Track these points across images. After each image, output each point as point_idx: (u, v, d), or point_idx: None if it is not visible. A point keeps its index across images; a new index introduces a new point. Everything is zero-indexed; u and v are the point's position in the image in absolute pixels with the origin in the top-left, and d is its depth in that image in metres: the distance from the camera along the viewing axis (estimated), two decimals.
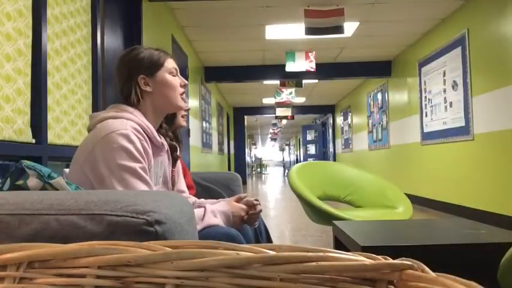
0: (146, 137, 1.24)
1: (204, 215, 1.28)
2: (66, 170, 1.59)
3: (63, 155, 2.35)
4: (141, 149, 1.18)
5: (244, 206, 1.41)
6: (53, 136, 2.25)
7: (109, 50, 3.18)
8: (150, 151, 1.23)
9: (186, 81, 1.41)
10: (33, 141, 2.04)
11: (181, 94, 1.38)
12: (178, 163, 1.52)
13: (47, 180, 1.14)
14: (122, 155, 1.14)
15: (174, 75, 1.37)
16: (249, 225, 1.48)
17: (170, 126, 1.54)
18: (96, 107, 2.79)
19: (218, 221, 1.30)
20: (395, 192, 3.20)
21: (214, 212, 1.32)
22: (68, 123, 2.42)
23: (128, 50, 1.39)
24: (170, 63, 1.37)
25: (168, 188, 1.41)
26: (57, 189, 1.10)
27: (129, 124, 1.20)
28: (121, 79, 1.36)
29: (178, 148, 1.47)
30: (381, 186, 3.33)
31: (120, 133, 1.16)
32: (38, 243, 0.57)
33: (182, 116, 1.75)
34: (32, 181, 1.09)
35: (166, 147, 1.38)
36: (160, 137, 1.34)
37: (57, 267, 0.56)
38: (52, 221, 0.65)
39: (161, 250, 0.54)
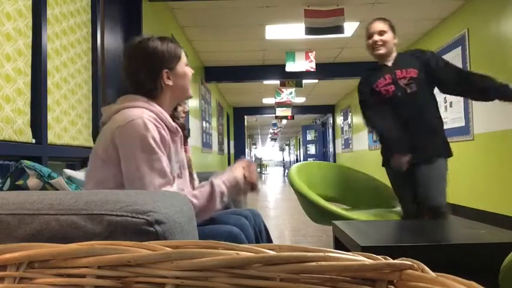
0: (163, 124, 1.25)
1: (212, 191, 1.29)
2: (67, 171, 1.60)
3: (63, 155, 2.35)
4: (159, 138, 1.19)
5: (241, 166, 1.43)
6: (53, 136, 2.25)
7: (109, 50, 3.18)
8: (168, 138, 1.25)
9: (193, 71, 1.46)
10: (33, 141, 2.04)
11: None
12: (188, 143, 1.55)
13: (47, 180, 1.14)
14: (140, 145, 1.15)
15: (187, 66, 1.41)
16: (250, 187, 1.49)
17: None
18: (96, 107, 2.79)
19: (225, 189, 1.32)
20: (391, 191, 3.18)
21: (220, 185, 1.33)
22: (68, 123, 2.42)
23: (139, 41, 1.37)
24: (184, 55, 1.41)
25: (185, 170, 1.42)
26: (57, 189, 1.10)
27: (145, 113, 1.21)
28: (141, 73, 1.33)
29: (186, 127, 1.51)
30: (377, 186, 3.34)
31: (137, 122, 1.17)
32: (38, 243, 0.57)
33: (182, 117, 1.79)
34: (32, 181, 1.09)
35: (180, 132, 1.40)
36: (174, 122, 1.36)
37: (57, 267, 0.56)
38: (52, 221, 0.65)
39: (161, 250, 0.54)
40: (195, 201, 1.23)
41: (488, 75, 2.25)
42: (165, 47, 1.36)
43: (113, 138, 1.18)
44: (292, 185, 2.93)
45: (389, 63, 2.44)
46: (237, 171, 1.40)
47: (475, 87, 2.25)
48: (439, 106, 2.46)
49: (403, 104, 2.35)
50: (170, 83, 1.35)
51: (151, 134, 1.17)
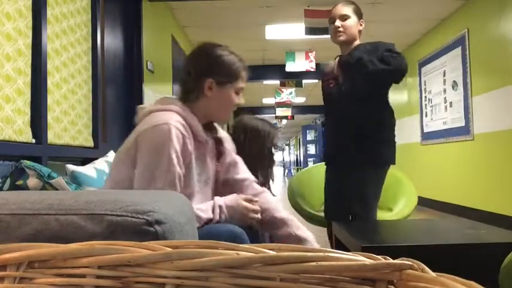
0: (190, 131, 1.22)
1: (213, 205, 1.27)
2: (69, 166, 1.59)
3: (63, 155, 2.35)
4: (180, 149, 1.16)
5: (248, 205, 1.36)
6: (53, 136, 2.25)
7: (109, 50, 3.18)
8: (190, 147, 1.21)
9: (243, 102, 1.37)
10: (33, 141, 2.04)
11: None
12: (228, 156, 1.46)
13: (47, 180, 1.14)
14: (159, 153, 1.14)
15: (238, 94, 1.33)
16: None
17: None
18: (96, 107, 2.79)
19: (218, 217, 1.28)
20: (397, 187, 3.16)
21: (220, 200, 1.30)
22: (68, 123, 2.42)
23: (210, 44, 1.33)
24: (241, 83, 1.32)
25: (207, 185, 1.37)
26: (57, 189, 1.10)
27: (174, 118, 1.18)
28: (190, 71, 1.30)
29: (222, 141, 1.43)
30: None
31: (162, 128, 1.15)
32: (38, 243, 0.57)
33: None
34: (32, 181, 1.09)
35: (211, 143, 1.35)
36: (205, 133, 1.32)
37: (57, 267, 0.56)
38: (52, 221, 0.65)
39: (161, 250, 0.54)
40: (201, 214, 1.22)
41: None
42: (229, 59, 1.29)
43: (136, 139, 1.18)
44: (288, 198, 2.97)
45: (343, 54, 2.18)
46: (240, 198, 1.35)
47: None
48: (439, 106, 2.34)
49: (337, 102, 2.14)
50: (209, 93, 1.28)
51: (173, 144, 1.14)
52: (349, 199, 2.13)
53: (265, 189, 1.53)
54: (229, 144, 1.48)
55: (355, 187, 2.10)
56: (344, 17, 2.15)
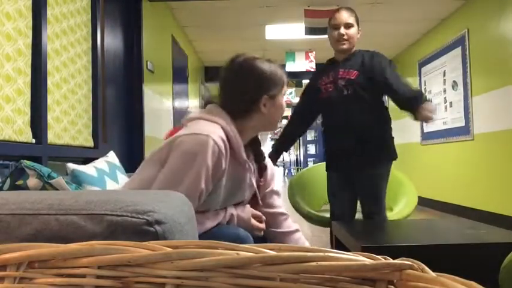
0: (229, 149, 1.18)
1: (224, 214, 1.26)
2: (69, 165, 1.59)
3: (63, 155, 2.35)
4: (212, 166, 1.13)
5: (255, 223, 1.34)
6: (53, 136, 2.25)
7: (109, 50, 3.18)
8: (225, 165, 1.17)
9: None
10: (33, 141, 2.04)
11: None
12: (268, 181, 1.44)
13: (47, 180, 1.14)
14: (190, 162, 1.11)
15: (285, 96, 1.33)
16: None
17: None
18: (96, 107, 2.79)
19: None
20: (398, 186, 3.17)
21: (232, 209, 1.30)
22: (68, 123, 2.42)
23: (248, 58, 1.29)
24: (286, 87, 1.32)
25: (241, 208, 1.34)
26: (57, 189, 1.10)
27: (217, 132, 1.15)
28: (239, 91, 1.26)
29: (263, 155, 1.41)
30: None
31: (201, 138, 1.12)
32: (38, 243, 0.57)
33: None
34: (32, 181, 1.09)
35: (253, 167, 1.32)
36: (247, 156, 1.29)
37: (57, 267, 0.56)
38: (52, 221, 0.65)
39: (161, 250, 0.54)
40: (206, 221, 1.20)
41: (411, 92, 2.09)
42: (273, 70, 1.28)
43: (173, 141, 1.16)
44: (289, 198, 2.97)
45: (340, 60, 2.23)
46: (250, 212, 1.33)
47: (397, 96, 2.10)
48: (439, 106, 2.37)
49: (335, 107, 2.18)
50: (265, 110, 1.26)
51: (207, 158, 1.11)
52: (365, 199, 2.21)
53: (298, 227, 1.50)
54: (270, 171, 1.46)
55: (370, 186, 2.18)
56: (349, 26, 2.19)
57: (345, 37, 2.18)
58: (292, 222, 1.49)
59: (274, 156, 2.43)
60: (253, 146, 1.38)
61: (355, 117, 2.14)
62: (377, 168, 2.18)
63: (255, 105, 1.25)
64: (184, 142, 1.14)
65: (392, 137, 2.28)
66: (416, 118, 2.03)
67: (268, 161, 1.44)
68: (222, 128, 1.19)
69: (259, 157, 1.38)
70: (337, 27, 2.21)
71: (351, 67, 2.17)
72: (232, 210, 1.29)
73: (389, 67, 2.14)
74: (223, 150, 1.15)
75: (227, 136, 1.19)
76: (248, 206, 1.36)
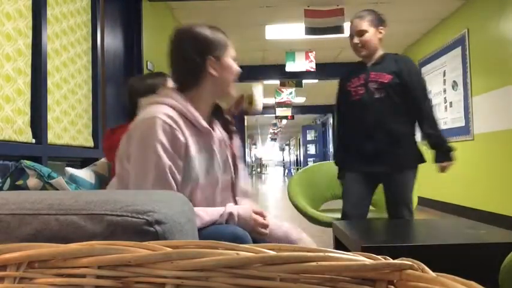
0: (184, 123, 1.19)
1: (223, 212, 1.24)
2: (68, 169, 1.59)
3: (63, 155, 2.35)
4: (168, 142, 1.14)
5: (258, 218, 1.31)
6: (53, 136, 2.25)
7: (109, 50, 3.18)
8: (183, 138, 1.17)
9: (240, 70, 1.36)
10: (33, 141, 2.04)
11: None
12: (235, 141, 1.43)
13: (47, 180, 1.14)
14: (145, 148, 1.13)
15: (235, 60, 1.32)
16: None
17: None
18: (96, 107, 2.79)
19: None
20: None
21: (232, 207, 1.28)
22: (68, 123, 2.42)
23: (189, 26, 1.30)
24: (232, 49, 1.32)
25: (228, 172, 1.33)
26: (57, 189, 1.10)
27: (163, 110, 1.16)
28: (183, 59, 1.27)
29: (230, 121, 1.41)
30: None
31: (147, 122, 1.14)
32: (38, 243, 0.57)
33: None
34: (32, 181, 1.09)
35: (219, 132, 1.32)
36: (212, 122, 1.29)
37: (57, 267, 0.56)
38: (52, 221, 0.65)
39: (161, 250, 0.54)
40: (201, 214, 1.18)
41: (434, 127, 2.19)
42: (215, 34, 1.28)
43: (128, 134, 1.18)
44: (290, 199, 2.96)
45: (369, 63, 2.27)
46: (251, 209, 1.31)
47: (420, 124, 2.22)
48: (439, 106, 2.38)
49: (366, 109, 2.20)
50: (213, 72, 1.26)
51: (158, 137, 1.12)
52: (396, 204, 2.22)
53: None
54: (237, 141, 1.45)
55: (401, 191, 2.20)
56: (361, 33, 2.22)
57: (359, 45, 2.23)
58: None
59: (342, 172, 2.40)
60: (217, 113, 1.37)
61: (387, 120, 2.18)
62: (407, 172, 2.22)
63: (203, 70, 1.25)
64: (135, 132, 1.16)
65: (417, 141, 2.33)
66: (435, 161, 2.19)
67: (236, 134, 1.45)
68: (169, 105, 1.19)
69: (226, 124, 1.38)
70: (352, 36, 2.28)
71: (383, 70, 2.20)
72: (231, 209, 1.27)
73: (421, 85, 2.23)
74: (175, 125, 1.16)
75: (177, 111, 1.19)
76: (248, 204, 1.35)
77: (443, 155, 2.18)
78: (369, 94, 2.19)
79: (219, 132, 1.34)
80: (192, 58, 1.26)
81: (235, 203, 1.38)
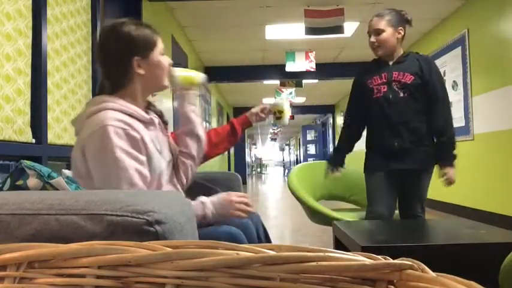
0: (131, 120, 1.19)
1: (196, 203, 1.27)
2: (65, 171, 1.59)
3: (63, 155, 2.35)
4: (123, 142, 1.13)
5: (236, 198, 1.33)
6: (53, 136, 2.25)
7: None
8: (138, 134, 1.18)
9: (171, 61, 1.36)
10: (33, 141, 2.04)
11: None
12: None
13: (47, 180, 1.14)
14: (102, 158, 1.12)
15: (163, 55, 1.32)
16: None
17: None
18: None
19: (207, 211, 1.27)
20: None
21: (202, 198, 1.29)
22: (68, 123, 2.42)
23: (114, 24, 1.28)
24: (160, 43, 1.31)
25: (172, 159, 1.37)
26: (57, 189, 1.10)
27: (108, 117, 1.15)
28: (109, 60, 1.26)
29: (163, 113, 1.44)
30: None
31: (98, 132, 1.13)
32: (38, 243, 0.57)
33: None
34: (32, 181, 1.09)
35: (158, 120, 1.34)
36: (148, 113, 1.31)
37: (57, 267, 0.56)
38: (52, 221, 0.65)
39: (161, 250, 0.54)
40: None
41: (446, 137, 2.21)
42: (139, 32, 1.26)
43: (82, 150, 1.16)
44: (290, 188, 2.94)
45: (391, 62, 2.29)
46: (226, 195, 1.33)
47: (431, 129, 2.25)
48: None
49: (391, 107, 2.22)
50: (141, 71, 1.26)
51: (114, 143, 1.11)
52: (412, 200, 2.26)
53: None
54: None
55: (418, 187, 2.25)
56: (378, 31, 2.23)
57: (376, 44, 2.25)
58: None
59: (333, 166, 2.48)
60: (149, 106, 1.39)
61: (411, 118, 2.21)
62: (428, 170, 2.25)
63: (130, 70, 1.25)
64: (89, 146, 1.14)
65: None
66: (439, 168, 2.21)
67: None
68: (112, 109, 1.19)
69: (159, 115, 1.40)
70: (369, 34, 2.29)
71: (405, 70, 2.22)
72: (201, 198, 1.29)
73: (442, 84, 2.31)
74: (126, 126, 1.15)
75: (121, 111, 1.19)
76: (220, 193, 1.34)
77: (445, 158, 2.20)
78: (392, 93, 2.22)
79: (156, 121, 1.35)
80: (117, 59, 1.25)
81: (182, 187, 1.41)
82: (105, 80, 1.28)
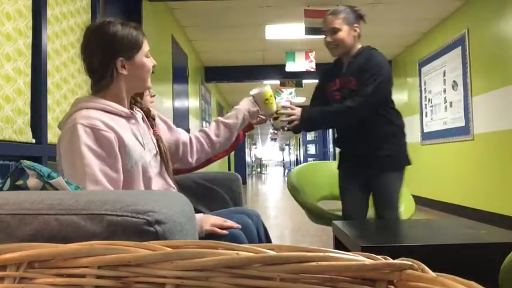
0: (114, 116, 1.21)
1: None
2: None
3: None
4: (90, 141, 1.14)
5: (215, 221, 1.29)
6: (53, 136, 2.24)
7: None
8: (112, 134, 1.18)
9: (155, 62, 1.37)
10: (33, 141, 2.04)
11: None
12: (159, 123, 1.50)
13: (47, 180, 1.14)
14: (70, 156, 1.14)
15: (148, 57, 1.33)
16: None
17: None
18: None
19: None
20: None
21: None
22: None
23: (99, 24, 1.29)
24: (146, 45, 1.32)
25: (156, 152, 1.37)
26: (57, 189, 1.10)
27: (78, 117, 1.17)
28: (94, 59, 1.27)
29: (151, 111, 1.44)
30: None
31: (67, 132, 1.15)
32: (38, 243, 0.57)
33: (151, 102, 1.78)
34: (32, 181, 1.09)
35: (141, 114, 1.36)
36: (133, 109, 1.33)
37: (57, 267, 0.56)
38: (52, 221, 0.65)
39: (161, 250, 0.54)
40: None
41: (344, 106, 2.03)
42: (126, 32, 1.26)
43: (58, 148, 1.19)
44: (289, 189, 2.94)
45: (345, 65, 2.17)
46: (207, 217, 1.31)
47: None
48: (439, 106, 2.33)
49: None
50: (125, 72, 1.27)
51: (81, 141, 1.13)
52: (377, 203, 2.18)
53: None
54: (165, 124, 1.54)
55: (382, 191, 2.15)
56: (334, 30, 2.12)
57: (332, 44, 2.14)
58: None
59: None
60: (135, 103, 1.40)
61: (366, 124, 2.10)
62: (390, 174, 2.14)
63: (111, 70, 1.25)
64: (61, 146, 1.18)
65: (405, 142, 2.21)
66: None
67: (161, 118, 1.52)
68: (86, 107, 1.21)
69: (145, 111, 1.41)
70: (324, 34, 2.19)
71: (350, 74, 2.11)
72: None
73: (372, 75, 2.03)
74: (99, 124, 1.16)
75: (97, 109, 1.21)
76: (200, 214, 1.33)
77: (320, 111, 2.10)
78: (345, 99, 2.10)
79: (141, 117, 1.36)
80: (101, 60, 1.25)
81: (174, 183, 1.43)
82: (89, 79, 1.31)
